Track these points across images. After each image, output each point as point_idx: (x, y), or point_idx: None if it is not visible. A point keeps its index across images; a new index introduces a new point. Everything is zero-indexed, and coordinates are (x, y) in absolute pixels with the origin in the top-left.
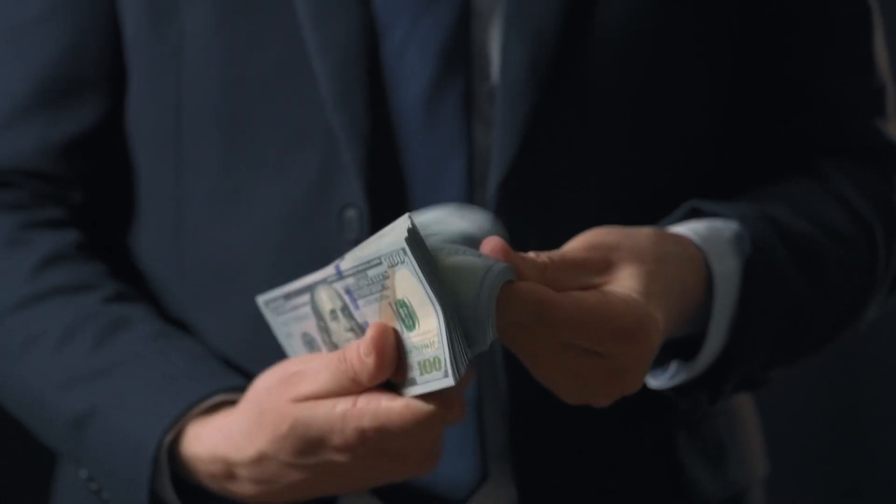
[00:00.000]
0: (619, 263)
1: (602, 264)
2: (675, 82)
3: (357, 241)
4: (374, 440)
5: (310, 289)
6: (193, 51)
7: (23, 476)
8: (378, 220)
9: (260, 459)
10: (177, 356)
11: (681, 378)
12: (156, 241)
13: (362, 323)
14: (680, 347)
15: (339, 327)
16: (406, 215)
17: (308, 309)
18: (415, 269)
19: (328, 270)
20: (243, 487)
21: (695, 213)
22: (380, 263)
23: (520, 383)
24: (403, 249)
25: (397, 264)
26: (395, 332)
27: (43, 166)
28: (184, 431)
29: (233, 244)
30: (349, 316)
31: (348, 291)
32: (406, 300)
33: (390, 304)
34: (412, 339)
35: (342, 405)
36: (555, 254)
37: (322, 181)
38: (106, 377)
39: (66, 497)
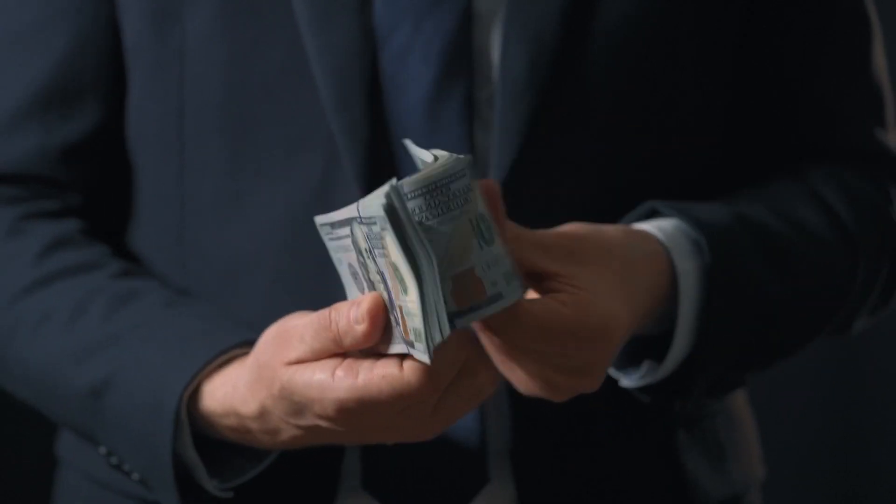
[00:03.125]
0: (584, 257)
1: (565, 251)
2: (675, 85)
3: None
4: (355, 411)
5: (349, 222)
6: (195, 53)
7: (23, 479)
8: None
9: (262, 413)
10: (189, 318)
11: (651, 378)
12: (159, 245)
13: (382, 270)
14: (652, 347)
15: (372, 266)
16: (392, 180)
17: (349, 241)
18: (394, 239)
19: (352, 210)
20: (257, 437)
21: (655, 213)
22: (374, 223)
23: None
24: (383, 217)
25: (384, 228)
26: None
27: (41, 170)
28: (201, 388)
29: (236, 247)
30: (374, 259)
31: (367, 238)
32: (396, 265)
33: (389, 264)
34: (407, 303)
35: (319, 375)
36: (525, 231)
37: (323, 185)
38: (121, 344)
39: (66, 501)
